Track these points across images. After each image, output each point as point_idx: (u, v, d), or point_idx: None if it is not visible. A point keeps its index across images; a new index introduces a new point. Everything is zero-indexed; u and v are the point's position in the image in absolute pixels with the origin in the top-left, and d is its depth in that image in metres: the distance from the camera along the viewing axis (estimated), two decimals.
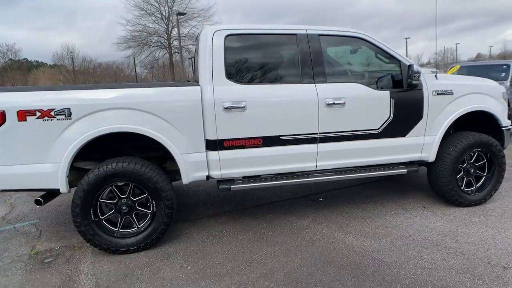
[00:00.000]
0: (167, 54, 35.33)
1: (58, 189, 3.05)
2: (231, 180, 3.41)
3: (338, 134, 3.47)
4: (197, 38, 3.90)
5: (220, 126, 3.19)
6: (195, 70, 4.22)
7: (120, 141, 3.27)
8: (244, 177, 3.45)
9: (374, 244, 3.17)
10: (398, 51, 3.65)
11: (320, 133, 3.42)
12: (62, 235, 3.64)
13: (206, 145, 3.24)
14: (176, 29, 33.75)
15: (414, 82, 3.42)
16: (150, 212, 3.21)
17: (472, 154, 3.88)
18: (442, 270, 2.69)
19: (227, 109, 3.17)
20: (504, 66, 7.83)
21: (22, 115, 2.88)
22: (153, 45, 34.08)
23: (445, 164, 3.76)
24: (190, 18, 32.79)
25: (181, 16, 29.78)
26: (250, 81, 3.36)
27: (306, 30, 3.46)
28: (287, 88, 3.37)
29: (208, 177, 3.34)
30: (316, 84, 3.39)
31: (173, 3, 33.28)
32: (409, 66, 3.43)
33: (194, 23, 33.28)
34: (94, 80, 40.72)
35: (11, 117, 2.86)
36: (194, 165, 3.24)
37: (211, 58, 3.22)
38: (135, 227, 3.21)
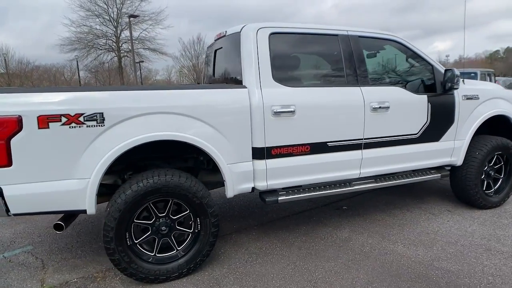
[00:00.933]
0: (116, 58, 33.44)
1: (84, 210, 2.53)
2: (274, 192, 3.12)
3: (381, 139, 3.35)
4: (220, 38, 3.57)
5: (269, 132, 2.90)
6: (214, 73, 3.86)
7: (142, 151, 2.80)
8: (284, 188, 3.18)
9: (428, 252, 3.07)
10: None
11: (365, 139, 3.27)
12: (72, 263, 3.05)
13: (253, 154, 2.92)
14: (125, 32, 32.21)
15: (455, 87, 3.42)
16: (191, 232, 2.80)
17: (492, 157, 3.99)
18: None
19: (277, 113, 2.89)
20: (472, 74, 8.41)
21: (44, 121, 2.34)
22: (101, 48, 32.02)
23: (471, 167, 3.82)
24: (141, 21, 31.44)
25: (132, 19, 28.36)
26: (297, 84, 3.12)
27: (347, 31, 3.31)
28: (335, 91, 3.17)
29: (253, 188, 3.01)
30: (361, 87, 3.24)
31: (122, 5, 31.67)
32: (450, 70, 3.43)
33: (144, 26, 32.00)
34: (32, 84, 37.07)
35: (29, 124, 2.31)
36: (240, 176, 2.90)
37: (256, 58, 2.92)
38: (174, 250, 2.77)
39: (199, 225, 2.76)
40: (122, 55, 32.61)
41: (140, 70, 39.54)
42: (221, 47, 3.58)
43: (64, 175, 2.44)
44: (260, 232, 3.59)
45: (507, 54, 71.41)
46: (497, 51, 78.65)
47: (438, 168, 3.83)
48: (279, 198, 3.04)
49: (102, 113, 2.45)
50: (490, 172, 4.02)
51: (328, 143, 3.13)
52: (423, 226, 3.63)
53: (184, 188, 2.63)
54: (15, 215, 2.42)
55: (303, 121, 2.99)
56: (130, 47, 30.33)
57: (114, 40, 32.04)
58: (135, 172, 3.03)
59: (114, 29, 31.74)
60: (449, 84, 3.42)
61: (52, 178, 2.42)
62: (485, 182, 4.02)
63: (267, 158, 2.94)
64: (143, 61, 35.31)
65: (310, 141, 3.06)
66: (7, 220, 4.16)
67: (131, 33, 26.32)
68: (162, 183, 2.57)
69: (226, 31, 3.43)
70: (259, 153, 2.92)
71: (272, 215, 4.05)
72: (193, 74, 48.35)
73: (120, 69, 32.80)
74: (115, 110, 2.49)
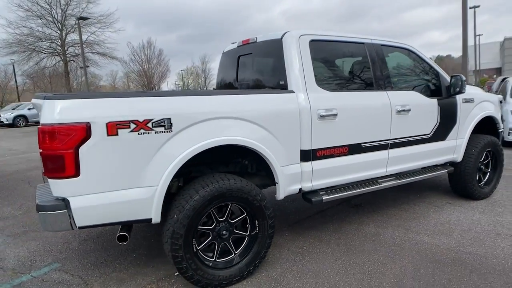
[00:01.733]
0: (61, 62, 31.29)
1: (150, 219, 2.46)
2: (315, 192, 3.25)
3: (403, 139, 3.65)
4: (246, 44, 3.65)
5: (315, 135, 3.04)
6: (238, 78, 3.91)
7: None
8: (323, 189, 3.32)
9: (451, 240, 3.40)
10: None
11: (391, 139, 3.54)
12: (116, 277, 2.91)
13: (301, 156, 3.04)
14: (71, 35, 30.37)
15: (463, 91, 3.84)
16: (247, 235, 2.83)
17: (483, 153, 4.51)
18: None
19: (322, 117, 3.04)
20: None
21: (113, 128, 2.25)
22: (44, 51, 29.76)
23: (469, 163, 4.29)
24: (88, 24, 29.83)
25: (79, 21, 26.78)
26: (335, 88, 3.29)
27: (371, 39, 3.57)
28: (367, 95, 3.40)
29: (300, 190, 3.12)
30: (387, 92, 3.51)
31: (67, 6, 29.82)
32: (457, 76, 3.84)
33: (93, 29, 30.45)
34: None
35: (98, 131, 2.22)
36: (290, 178, 3.00)
37: (301, 63, 3.05)
38: (232, 254, 2.78)
39: (257, 228, 2.80)
40: (68, 59, 30.60)
41: (86, 75, 37.44)
42: (250, 53, 3.65)
43: (132, 184, 2.36)
44: (293, 233, 3.69)
45: (438, 62, 79.18)
46: (429, 59, 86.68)
47: (442, 165, 4.24)
48: (323, 198, 3.18)
49: (170, 118, 2.41)
50: (481, 166, 4.53)
51: (362, 144, 3.34)
52: (434, 217, 3.99)
53: (245, 191, 2.67)
54: (80, 228, 2.29)
55: (343, 123, 3.17)
56: (77, 51, 28.67)
57: (59, 43, 29.98)
58: (180, 178, 2.99)
59: (59, 32, 29.72)
60: (457, 89, 3.83)
61: (120, 187, 2.33)
62: (477, 175, 4.52)
63: (313, 160, 3.07)
64: (88, 66, 33.48)
65: (348, 143, 3.25)
66: (11, 239, 3.81)
67: (80, 36, 24.84)
68: (226, 187, 2.59)
69: (256, 38, 3.52)
70: (306, 155, 3.04)
71: (295, 217, 4.18)
72: (144, 80, 46.87)
73: (67, 74, 30.73)
74: (182, 115, 2.46)
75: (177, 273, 2.92)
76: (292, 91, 3.01)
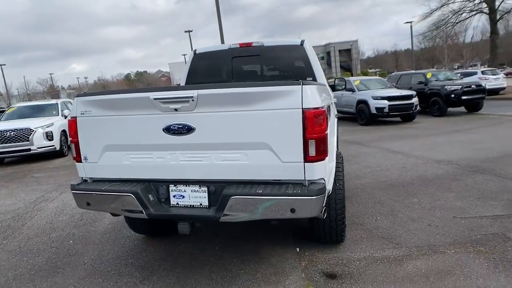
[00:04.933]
0: None
1: (329, 190, 2.84)
2: None
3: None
4: (247, 47, 4.13)
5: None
6: (233, 76, 4.22)
7: None
8: None
9: (370, 179, 5.47)
10: None
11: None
12: (271, 280, 2.83)
13: None
14: None
15: (345, 87, 5.96)
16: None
17: None
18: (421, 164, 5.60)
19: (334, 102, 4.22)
20: None
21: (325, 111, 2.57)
22: None
23: None
24: None
25: None
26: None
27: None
28: (327, 88, 4.81)
29: None
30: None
31: None
32: (343, 78, 5.92)
33: None
34: None
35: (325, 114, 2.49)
36: None
37: (319, 63, 4.08)
38: None
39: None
40: None
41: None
42: (257, 55, 4.12)
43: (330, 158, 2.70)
44: None
45: (139, 77, 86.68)
46: (128, 74, 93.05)
47: None
48: None
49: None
50: None
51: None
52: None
53: (340, 156, 3.48)
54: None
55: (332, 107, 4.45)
56: None
57: None
58: None
59: None
60: (342, 86, 5.89)
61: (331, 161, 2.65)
62: None
63: None
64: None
65: None
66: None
67: None
68: (340, 154, 3.33)
69: (262, 42, 4.09)
70: None
71: None
72: None
73: None
74: (328, 100, 3.00)
75: (298, 248, 3.23)
76: (324, 84, 3.98)
